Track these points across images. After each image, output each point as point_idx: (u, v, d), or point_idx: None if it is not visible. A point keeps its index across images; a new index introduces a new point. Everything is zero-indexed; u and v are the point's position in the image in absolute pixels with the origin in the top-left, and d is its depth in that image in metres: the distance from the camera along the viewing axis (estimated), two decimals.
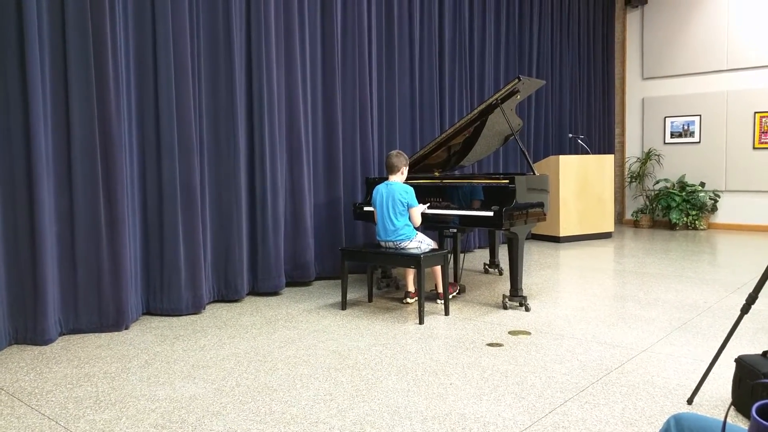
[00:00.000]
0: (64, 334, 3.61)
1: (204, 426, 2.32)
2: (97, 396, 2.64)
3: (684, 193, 8.67)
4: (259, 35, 4.56)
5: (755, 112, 8.35)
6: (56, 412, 2.47)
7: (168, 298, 4.04)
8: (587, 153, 8.05)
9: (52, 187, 3.53)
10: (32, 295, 3.42)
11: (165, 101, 3.99)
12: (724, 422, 1.15)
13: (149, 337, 3.55)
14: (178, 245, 4.04)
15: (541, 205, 4.24)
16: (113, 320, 3.66)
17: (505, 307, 4.13)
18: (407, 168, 4.22)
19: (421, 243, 4.09)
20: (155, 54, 3.98)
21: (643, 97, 9.47)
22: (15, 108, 3.35)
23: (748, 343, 3.28)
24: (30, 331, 3.42)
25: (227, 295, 4.45)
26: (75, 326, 3.63)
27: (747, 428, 1.08)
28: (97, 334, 3.62)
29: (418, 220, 4.11)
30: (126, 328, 3.72)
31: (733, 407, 2.40)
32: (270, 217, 4.64)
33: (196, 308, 4.11)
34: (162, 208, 4.04)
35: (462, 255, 6.44)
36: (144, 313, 4.07)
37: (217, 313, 4.16)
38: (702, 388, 2.62)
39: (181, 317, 4.03)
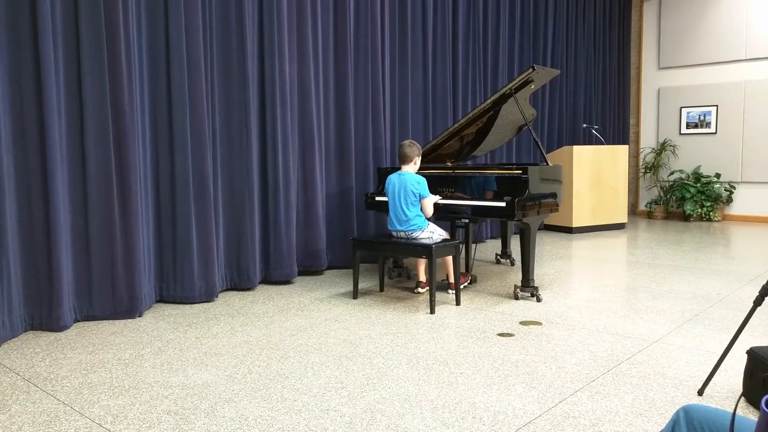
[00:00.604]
0: (78, 321, 3.66)
1: (216, 413, 2.35)
2: (111, 382, 2.68)
3: (699, 185, 8.57)
4: (272, 26, 4.55)
5: None
6: (71, 397, 2.51)
7: (181, 286, 4.09)
8: (601, 143, 7.98)
9: (67, 178, 3.57)
10: (47, 283, 3.47)
11: (178, 93, 4.00)
12: (734, 414, 1.14)
13: (162, 325, 3.59)
14: (191, 234, 4.07)
15: (554, 195, 4.22)
16: (127, 307, 3.71)
17: (516, 298, 4.13)
18: (420, 158, 4.22)
19: (433, 233, 4.09)
20: (168, 46, 3.99)
21: (659, 87, 9.35)
22: (29, 101, 3.38)
23: (760, 335, 3.25)
24: (45, 317, 3.47)
25: (240, 283, 4.49)
26: (89, 313, 3.68)
27: (757, 420, 1.07)
28: (111, 321, 3.67)
29: (430, 211, 4.11)
30: (139, 316, 3.77)
31: (743, 399, 2.38)
32: (282, 207, 4.66)
33: (208, 296, 4.15)
34: (175, 197, 4.07)
35: (474, 245, 6.45)
36: (157, 301, 4.12)
37: (229, 301, 4.19)
38: (713, 380, 2.61)
39: (193, 305, 4.07)
